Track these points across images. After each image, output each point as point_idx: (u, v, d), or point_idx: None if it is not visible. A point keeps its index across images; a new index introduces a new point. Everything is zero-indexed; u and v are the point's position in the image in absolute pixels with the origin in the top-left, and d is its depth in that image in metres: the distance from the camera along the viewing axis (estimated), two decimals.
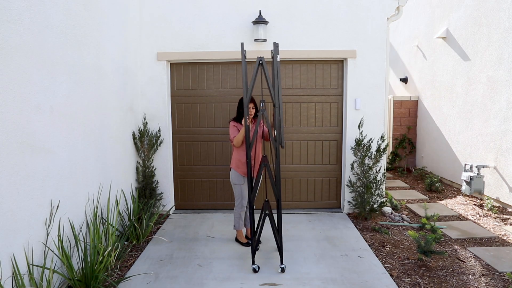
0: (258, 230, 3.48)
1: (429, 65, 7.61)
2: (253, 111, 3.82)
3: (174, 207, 5.28)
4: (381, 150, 4.73)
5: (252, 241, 3.40)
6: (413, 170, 7.89)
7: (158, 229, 4.54)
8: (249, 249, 3.90)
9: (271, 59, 4.97)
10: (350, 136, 5.03)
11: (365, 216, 4.76)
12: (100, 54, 3.71)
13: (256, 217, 4.34)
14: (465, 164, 5.83)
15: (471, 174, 5.53)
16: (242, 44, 3.20)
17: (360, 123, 4.87)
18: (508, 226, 4.61)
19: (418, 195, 6.16)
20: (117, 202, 4.07)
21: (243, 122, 3.89)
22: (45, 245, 2.72)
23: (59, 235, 2.86)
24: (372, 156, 4.79)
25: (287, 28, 4.90)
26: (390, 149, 8.23)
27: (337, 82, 5.13)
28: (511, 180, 5.13)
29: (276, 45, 3.18)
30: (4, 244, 2.31)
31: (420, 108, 8.09)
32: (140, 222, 4.25)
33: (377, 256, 3.72)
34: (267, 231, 4.41)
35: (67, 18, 3.07)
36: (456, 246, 4.03)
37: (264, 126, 3.93)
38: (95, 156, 3.57)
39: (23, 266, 2.48)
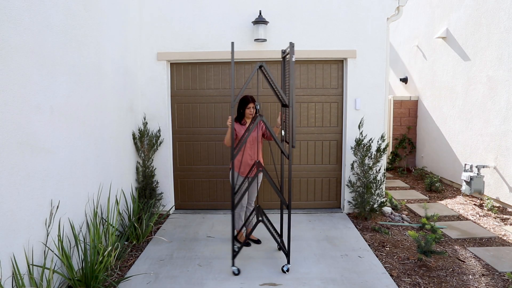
0: (250, 232, 3.44)
1: (429, 65, 7.61)
2: (254, 111, 3.83)
3: (174, 207, 5.28)
4: (381, 150, 4.73)
5: (233, 243, 3.33)
6: (413, 170, 7.90)
7: (158, 229, 4.54)
8: (249, 249, 3.90)
9: (272, 59, 4.99)
10: (350, 136, 5.03)
11: (365, 216, 4.76)
12: (100, 54, 3.71)
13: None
14: (465, 164, 5.83)
15: (471, 174, 5.53)
16: (232, 43, 3.14)
17: (360, 123, 4.87)
18: (508, 226, 4.61)
19: (418, 195, 6.16)
20: (117, 202, 4.07)
21: (242, 122, 3.90)
22: (45, 245, 2.72)
23: (59, 235, 2.86)
24: (372, 156, 4.79)
25: (287, 28, 4.90)
26: (390, 149, 8.23)
27: (337, 82, 5.13)
28: (511, 180, 5.14)
29: (292, 45, 3.13)
30: (4, 244, 2.31)
31: (420, 108, 8.09)
32: (140, 222, 4.25)
33: (377, 256, 3.72)
34: (265, 232, 4.41)
35: (67, 18, 3.07)
36: (456, 246, 4.03)
37: (265, 128, 3.93)
38: (95, 156, 3.57)
39: (23, 266, 2.48)
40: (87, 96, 3.41)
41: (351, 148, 4.92)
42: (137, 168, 4.84)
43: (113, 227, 3.66)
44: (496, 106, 5.45)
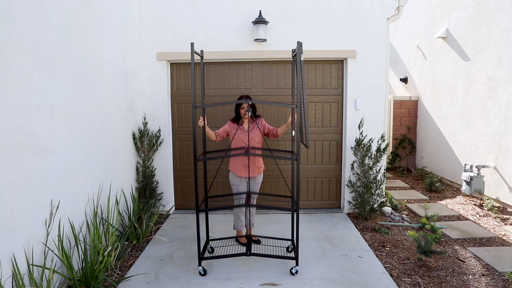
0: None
1: (429, 65, 7.61)
2: (245, 107, 3.77)
3: (174, 207, 5.28)
4: (381, 150, 4.73)
5: (198, 243, 3.32)
6: (413, 170, 7.90)
7: (158, 229, 4.54)
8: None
9: (272, 59, 4.99)
10: (350, 136, 5.03)
11: (365, 216, 4.76)
12: (100, 54, 3.71)
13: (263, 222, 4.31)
14: (465, 164, 5.83)
15: (471, 174, 5.53)
16: (192, 44, 3.03)
17: (360, 123, 4.87)
18: (508, 226, 4.61)
19: (418, 195, 6.16)
20: (117, 202, 4.07)
21: (240, 122, 3.86)
22: (45, 245, 2.72)
23: (59, 235, 2.86)
24: (372, 156, 4.79)
25: (287, 28, 4.90)
26: (390, 149, 8.23)
27: (337, 82, 5.13)
28: (511, 180, 5.14)
29: (299, 44, 3.08)
30: (4, 244, 2.31)
31: (420, 108, 8.09)
32: (140, 222, 4.25)
33: (377, 256, 3.72)
34: (270, 232, 4.41)
35: (67, 18, 3.07)
36: (456, 246, 4.03)
37: (267, 125, 3.91)
38: (95, 156, 3.57)
39: (23, 266, 2.48)
40: (87, 96, 3.41)
41: (351, 148, 4.92)
42: (137, 168, 4.84)
43: (113, 227, 3.66)
44: (496, 106, 5.45)
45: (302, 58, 3.08)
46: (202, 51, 3.68)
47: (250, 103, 3.73)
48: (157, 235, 4.30)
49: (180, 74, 5.14)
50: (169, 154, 5.12)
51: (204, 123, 3.58)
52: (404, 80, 8.85)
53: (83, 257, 2.98)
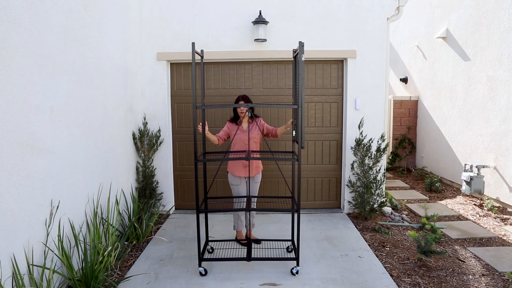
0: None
1: (429, 65, 7.61)
2: (244, 109, 3.75)
3: (174, 207, 5.28)
4: (381, 150, 4.74)
5: (199, 244, 3.31)
6: (413, 170, 7.90)
7: (158, 229, 4.54)
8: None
9: (272, 59, 4.99)
10: (350, 136, 5.03)
11: (365, 216, 4.76)
12: (100, 54, 3.71)
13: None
14: (465, 164, 5.83)
15: (471, 174, 5.53)
16: (193, 44, 3.00)
17: (360, 123, 4.87)
18: (508, 226, 4.61)
19: (418, 195, 6.16)
20: (117, 202, 4.07)
21: (238, 122, 3.86)
22: (45, 245, 2.72)
23: (59, 235, 2.86)
24: (372, 156, 4.79)
25: (287, 28, 4.90)
26: (390, 149, 8.23)
27: (337, 82, 5.13)
28: (511, 180, 5.13)
29: (301, 44, 3.07)
30: (4, 244, 2.31)
31: (420, 108, 8.09)
32: (140, 222, 4.25)
33: (377, 256, 3.72)
34: (270, 232, 4.41)
35: (67, 18, 3.07)
36: (456, 246, 4.03)
37: (266, 125, 3.91)
38: (95, 156, 3.57)
39: (23, 266, 2.48)
40: (87, 96, 3.41)
41: (351, 148, 4.92)
42: (137, 168, 4.84)
43: (113, 227, 3.66)
44: (496, 106, 5.45)
45: (303, 58, 3.08)
46: (202, 51, 3.68)
47: (248, 102, 3.73)
48: (157, 235, 4.30)
49: (180, 74, 5.14)
50: (169, 154, 5.12)
51: (204, 129, 3.51)
52: (404, 80, 8.85)
53: (83, 257, 2.98)
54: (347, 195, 5.12)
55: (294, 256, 3.41)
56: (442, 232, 4.39)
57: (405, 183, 7.06)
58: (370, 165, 4.76)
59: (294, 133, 3.65)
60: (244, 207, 3.81)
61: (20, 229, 2.46)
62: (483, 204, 5.47)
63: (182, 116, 5.19)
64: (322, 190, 5.29)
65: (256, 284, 3.15)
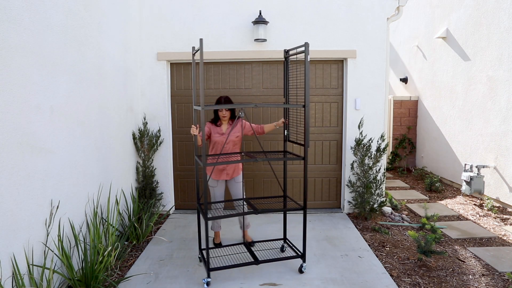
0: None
1: (429, 65, 7.61)
2: (226, 113, 3.66)
3: (174, 207, 5.28)
4: (381, 150, 4.74)
5: (204, 256, 3.23)
6: (413, 170, 7.90)
7: (158, 229, 4.54)
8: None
9: (272, 59, 4.99)
10: (350, 136, 5.03)
11: (365, 216, 4.76)
12: (100, 54, 3.71)
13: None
14: (465, 164, 5.83)
15: (471, 174, 5.53)
16: (201, 40, 2.94)
17: (360, 123, 4.88)
18: (508, 226, 4.61)
19: (418, 195, 6.16)
20: (117, 202, 4.07)
21: (218, 123, 3.76)
22: (45, 245, 2.72)
23: (59, 235, 2.86)
24: (372, 156, 4.79)
25: (287, 28, 4.90)
26: (390, 149, 8.23)
27: (337, 82, 5.13)
28: (511, 180, 5.13)
29: (307, 45, 3.12)
30: (4, 244, 2.31)
31: (420, 108, 8.09)
32: (140, 222, 4.25)
33: (377, 256, 3.72)
34: (270, 232, 4.41)
35: (67, 18, 3.07)
36: (456, 246, 4.03)
37: (250, 124, 3.73)
38: (95, 156, 3.57)
39: (23, 266, 2.48)
40: (87, 96, 3.41)
41: (351, 148, 4.92)
42: (137, 168, 4.84)
43: (113, 227, 3.66)
44: (496, 106, 5.45)
45: (308, 59, 3.13)
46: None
47: (255, 105, 3.59)
48: (157, 235, 4.30)
49: (180, 74, 5.14)
50: (169, 154, 5.12)
51: (200, 132, 3.38)
52: (404, 80, 8.85)
53: (83, 257, 2.98)
54: (347, 195, 5.12)
55: (292, 255, 3.41)
56: (442, 232, 4.39)
57: (405, 183, 7.06)
58: (370, 165, 4.76)
59: (286, 132, 3.67)
60: (222, 209, 3.75)
61: (20, 229, 2.46)
62: (483, 204, 5.47)
63: (182, 116, 5.19)
64: (322, 190, 5.29)
65: (256, 284, 3.15)
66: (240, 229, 4.09)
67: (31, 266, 2.55)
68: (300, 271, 3.36)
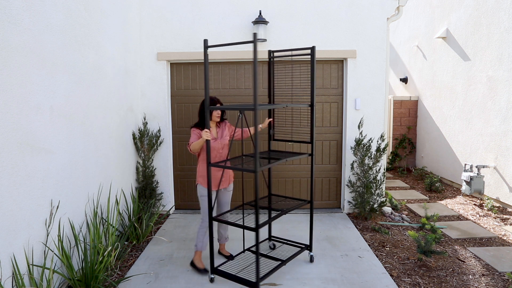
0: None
1: (429, 65, 7.61)
2: (217, 115, 3.43)
3: (174, 207, 5.28)
4: (381, 150, 4.74)
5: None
6: (413, 170, 7.89)
7: (158, 229, 4.54)
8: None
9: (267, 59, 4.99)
10: (350, 136, 5.03)
11: (365, 216, 4.76)
12: (100, 54, 3.71)
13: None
14: (465, 164, 5.83)
15: (471, 174, 5.53)
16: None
17: (360, 123, 4.88)
18: (508, 226, 4.61)
19: (418, 195, 6.16)
20: (117, 202, 4.07)
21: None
22: (45, 245, 2.72)
23: (59, 235, 2.86)
24: (372, 156, 4.79)
25: (287, 28, 4.90)
26: (390, 149, 8.23)
27: (337, 82, 5.13)
28: (511, 180, 5.14)
29: (313, 49, 3.32)
30: (4, 244, 2.31)
31: (420, 108, 8.09)
32: (140, 222, 4.25)
33: (377, 256, 3.72)
34: (267, 234, 4.41)
35: (67, 18, 3.07)
36: (456, 246, 4.03)
37: (234, 127, 3.61)
38: (95, 156, 3.57)
39: (23, 266, 2.48)
40: (87, 96, 3.41)
41: (351, 148, 4.92)
42: (137, 168, 4.84)
43: (113, 227, 3.66)
44: (496, 106, 5.45)
45: (314, 62, 3.32)
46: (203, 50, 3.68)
47: (286, 105, 3.35)
48: (157, 235, 4.30)
49: (180, 74, 5.14)
50: (169, 154, 5.12)
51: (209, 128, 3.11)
52: (404, 80, 8.85)
53: (83, 257, 2.98)
54: (347, 195, 5.12)
55: (298, 251, 3.54)
56: (442, 232, 4.39)
57: (405, 183, 7.06)
58: (370, 165, 4.76)
59: (271, 131, 3.79)
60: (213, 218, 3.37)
61: (20, 229, 2.46)
62: (483, 204, 5.47)
63: (182, 116, 5.19)
64: (322, 190, 5.29)
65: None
66: (217, 242, 3.79)
67: (31, 266, 2.55)
68: (311, 260, 3.57)
